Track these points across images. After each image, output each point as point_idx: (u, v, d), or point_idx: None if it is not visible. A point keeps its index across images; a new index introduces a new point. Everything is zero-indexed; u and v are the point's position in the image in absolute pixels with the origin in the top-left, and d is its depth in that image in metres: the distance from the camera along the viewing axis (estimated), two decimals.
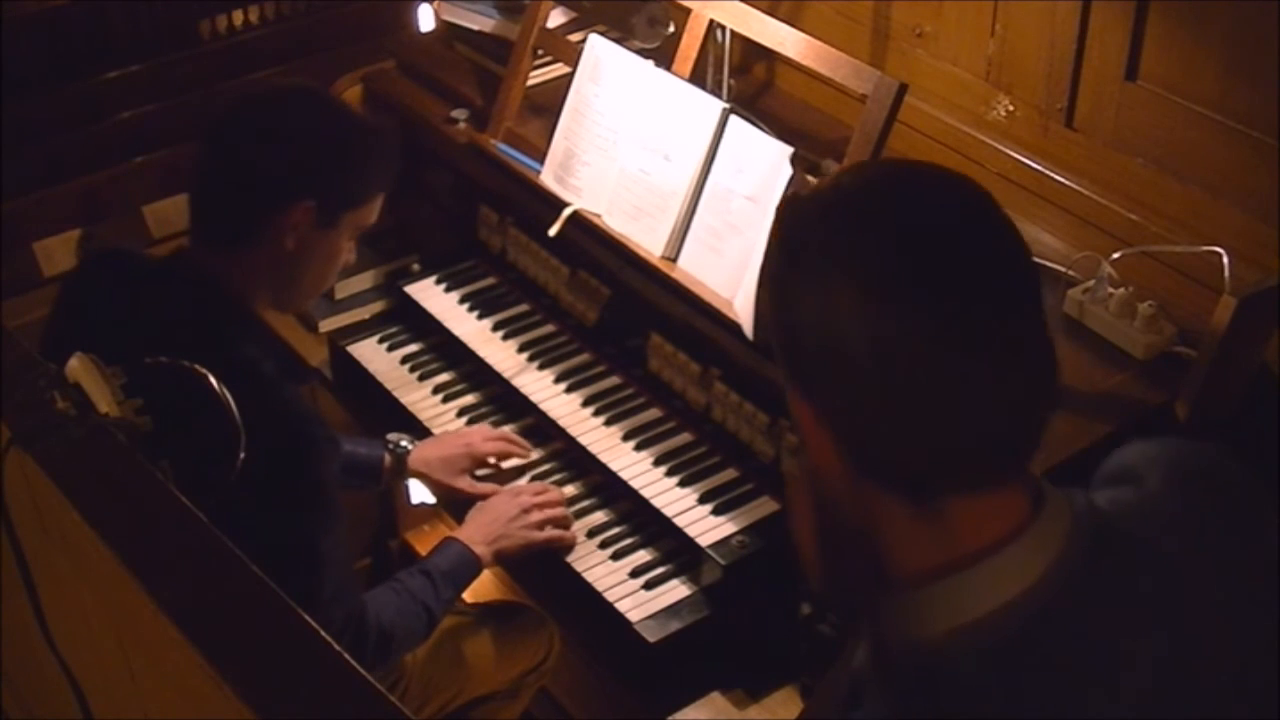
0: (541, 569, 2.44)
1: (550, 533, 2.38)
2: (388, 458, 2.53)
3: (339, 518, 2.09)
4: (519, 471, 2.55)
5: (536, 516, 2.38)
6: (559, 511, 2.41)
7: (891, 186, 1.21)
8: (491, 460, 2.53)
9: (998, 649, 1.16)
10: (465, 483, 2.51)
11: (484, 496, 2.48)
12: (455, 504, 2.58)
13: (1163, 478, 1.27)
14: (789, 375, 1.22)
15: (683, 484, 2.40)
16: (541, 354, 2.68)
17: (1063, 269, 2.38)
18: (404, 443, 2.54)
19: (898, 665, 1.23)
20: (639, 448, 2.48)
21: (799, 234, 1.20)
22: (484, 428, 2.60)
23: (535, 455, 2.58)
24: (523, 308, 2.80)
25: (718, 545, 2.28)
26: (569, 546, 2.39)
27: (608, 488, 2.48)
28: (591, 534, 2.41)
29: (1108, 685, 1.16)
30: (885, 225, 1.16)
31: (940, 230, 1.16)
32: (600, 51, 2.64)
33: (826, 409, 1.18)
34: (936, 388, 1.12)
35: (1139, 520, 1.23)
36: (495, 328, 2.76)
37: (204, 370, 1.79)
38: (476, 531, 2.38)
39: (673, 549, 2.36)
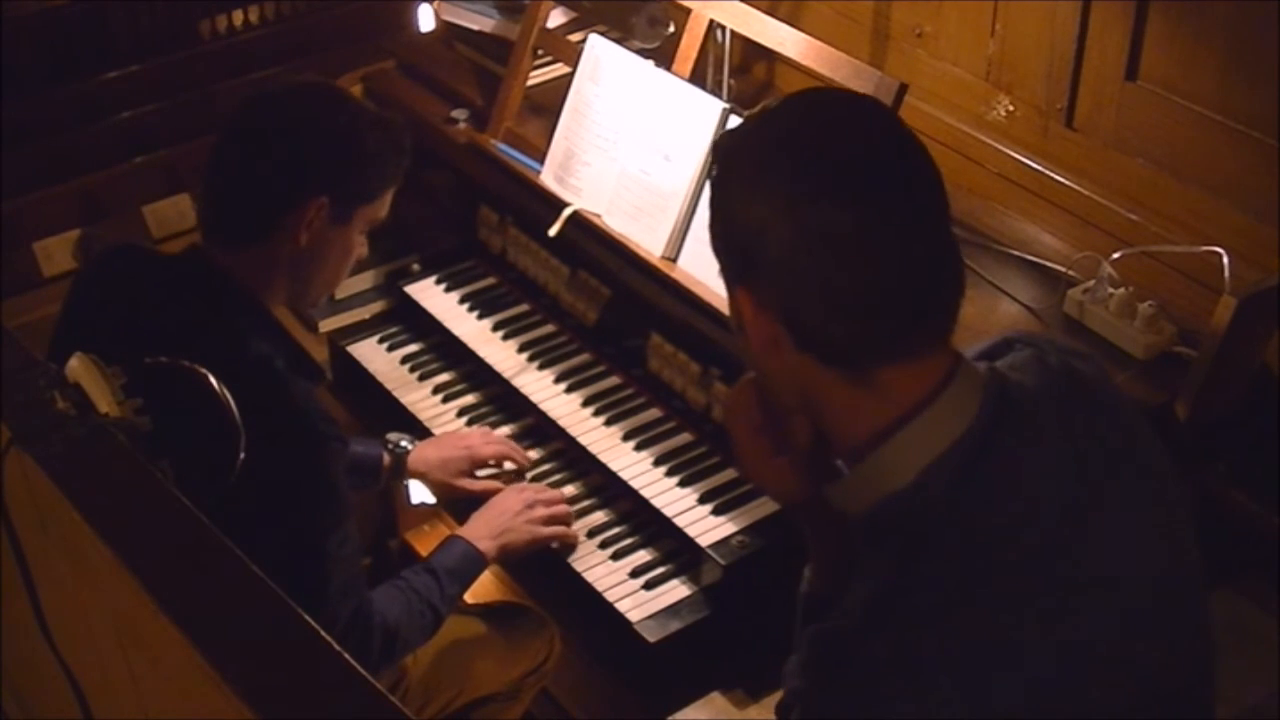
0: (542, 569, 2.44)
1: (555, 529, 2.39)
2: (386, 458, 2.53)
3: (347, 516, 2.08)
4: (518, 473, 2.55)
5: (541, 512, 2.39)
6: (562, 509, 2.42)
7: (811, 108, 1.41)
8: (491, 463, 2.53)
9: (950, 491, 1.34)
10: (464, 482, 2.51)
11: (483, 494, 2.48)
12: (455, 504, 2.58)
13: (1027, 352, 1.47)
14: (731, 274, 1.40)
15: (683, 484, 2.40)
16: (541, 354, 2.68)
17: (1063, 269, 2.38)
18: (403, 443, 2.54)
19: (869, 535, 1.39)
20: (639, 448, 2.48)
21: (733, 151, 1.39)
22: (484, 430, 2.60)
23: (535, 455, 2.58)
24: (523, 308, 2.80)
25: (718, 545, 2.28)
26: (572, 545, 2.39)
27: (608, 488, 2.48)
28: (591, 534, 2.41)
29: (1029, 511, 1.35)
30: (806, 138, 1.35)
31: (854, 142, 1.35)
32: (600, 51, 2.64)
33: (767, 297, 1.36)
34: (856, 273, 1.31)
35: (1026, 375, 1.43)
36: (495, 328, 2.76)
37: (204, 370, 1.78)
38: (482, 527, 2.38)
39: (673, 549, 2.36)
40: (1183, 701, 1.46)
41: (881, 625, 1.33)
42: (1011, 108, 2.55)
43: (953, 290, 1.37)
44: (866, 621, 1.34)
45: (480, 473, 2.53)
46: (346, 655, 1.28)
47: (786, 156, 1.35)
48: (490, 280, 2.87)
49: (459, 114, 2.91)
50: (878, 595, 1.35)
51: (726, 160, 1.40)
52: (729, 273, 1.41)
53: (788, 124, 1.39)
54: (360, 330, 2.86)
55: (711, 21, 2.59)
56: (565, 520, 2.42)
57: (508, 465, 2.55)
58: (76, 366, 1.58)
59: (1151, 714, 1.41)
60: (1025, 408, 1.39)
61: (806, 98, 1.44)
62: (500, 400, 2.68)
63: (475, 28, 3.06)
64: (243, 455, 1.79)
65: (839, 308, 1.33)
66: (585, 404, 2.57)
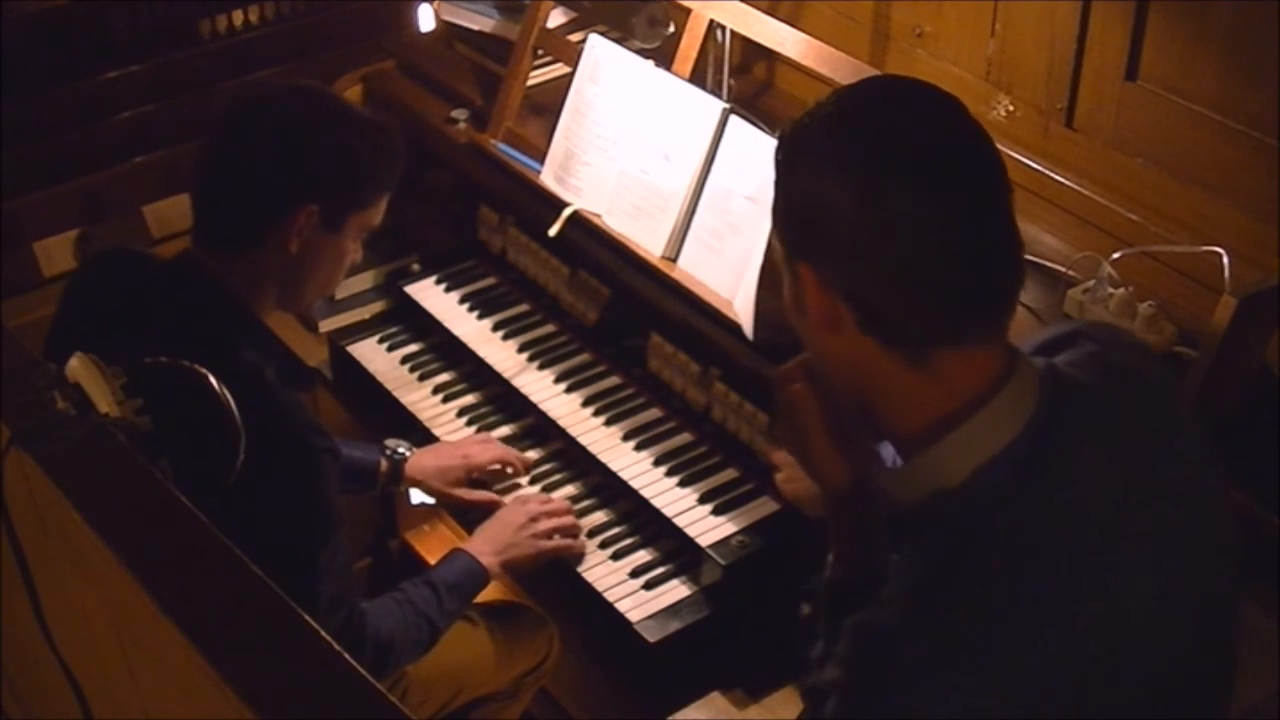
0: (541, 568, 2.43)
1: (559, 542, 2.37)
2: (384, 463, 2.53)
3: (337, 528, 2.07)
4: (515, 480, 2.53)
5: (545, 525, 2.37)
6: (568, 520, 2.40)
7: (887, 92, 1.45)
8: (488, 470, 2.53)
9: (1001, 493, 1.35)
10: (461, 492, 2.50)
11: (479, 503, 2.47)
12: (456, 508, 2.58)
13: (1091, 348, 1.48)
14: (794, 250, 1.42)
15: (683, 484, 2.40)
16: (541, 354, 2.68)
17: (1063, 269, 2.38)
18: (401, 449, 2.54)
19: (917, 528, 1.41)
20: (639, 448, 2.48)
21: (805, 129, 1.40)
22: (482, 437, 2.58)
23: (535, 456, 2.58)
24: (523, 308, 2.80)
25: (718, 545, 2.28)
26: (578, 557, 2.38)
27: (608, 488, 2.48)
28: (591, 534, 2.41)
29: (1080, 524, 1.36)
30: (882, 121, 1.37)
31: (929, 128, 1.37)
32: (600, 51, 2.64)
33: (831, 274, 1.37)
34: (925, 256, 1.33)
35: (1086, 374, 1.44)
36: (495, 328, 2.76)
37: (204, 370, 1.78)
38: (485, 542, 2.36)
39: (673, 549, 2.36)
40: (1198, 710, 1.46)
41: (923, 621, 1.33)
42: (1011, 108, 2.55)
43: (1015, 278, 1.39)
44: (909, 617, 1.34)
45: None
46: (346, 656, 1.28)
47: (861, 137, 1.36)
48: (490, 280, 2.87)
49: (459, 114, 2.91)
50: (921, 590, 1.36)
51: (797, 137, 1.41)
52: (791, 249, 1.42)
53: (863, 106, 1.40)
54: (360, 330, 2.86)
55: (711, 21, 2.59)
56: (571, 532, 2.40)
57: (508, 470, 2.54)
58: (76, 366, 1.58)
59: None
60: (1080, 409, 1.40)
61: (882, 82, 1.48)
62: (500, 400, 2.68)
63: (475, 28, 3.06)
64: (242, 456, 1.79)
65: (905, 288, 1.34)
66: (585, 404, 2.57)
